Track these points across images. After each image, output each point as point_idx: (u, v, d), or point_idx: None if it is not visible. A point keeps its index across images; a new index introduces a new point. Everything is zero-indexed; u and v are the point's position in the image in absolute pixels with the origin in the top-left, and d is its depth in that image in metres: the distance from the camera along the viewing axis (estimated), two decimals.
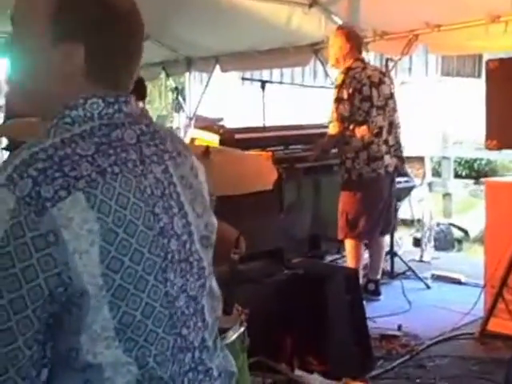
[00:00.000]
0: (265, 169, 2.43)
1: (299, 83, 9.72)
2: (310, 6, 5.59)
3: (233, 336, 1.81)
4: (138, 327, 1.02)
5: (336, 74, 4.68)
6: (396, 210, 5.01)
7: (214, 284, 1.23)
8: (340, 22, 5.65)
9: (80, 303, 0.98)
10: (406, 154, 5.71)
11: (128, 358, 1.02)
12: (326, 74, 6.68)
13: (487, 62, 3.20)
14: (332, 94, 4.39)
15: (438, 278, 5.09)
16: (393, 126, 4.47)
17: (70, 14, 1.06)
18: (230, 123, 7.15)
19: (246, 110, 9.06)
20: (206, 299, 1.17)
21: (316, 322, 3.03)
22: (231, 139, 4.41)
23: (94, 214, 0.97)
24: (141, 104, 5.90)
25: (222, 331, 1.81)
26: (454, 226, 7.19)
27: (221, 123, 6.61)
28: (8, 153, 4.98)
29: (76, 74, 1.07)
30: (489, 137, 3.19)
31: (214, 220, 1.25)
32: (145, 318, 1.03)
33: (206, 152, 2.30)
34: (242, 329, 1.87)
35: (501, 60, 3.16)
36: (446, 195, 8.42)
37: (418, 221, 6.83)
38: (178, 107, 8.58)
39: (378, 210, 4.41)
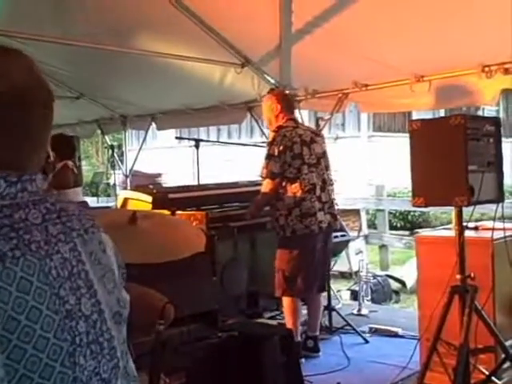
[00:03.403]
0: (193, 233, 2.42)
1: (234, 142, 9.82)
2: (243, 65, 5.71)
3: None
4: None
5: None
6: (329, 265, 5.03)
7: (130, 363, 1.19)
8: (272, 81, 5.80)
9: None
10: (341, 207, 5.82)
11: None
12: (262, 132, 6.79)
13: (410, 123, 3.31)
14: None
15: (375, 332, 5.12)
16: (326, 184, 4.53)
17: None
18: (168, 179, 7.14)
19: (182, 166, 9.06)
20: (121, 380, 1.13)
21: None
22: (165, 199, 4.39)
23: None
24: (71, 162, 5.83)
25: None
26: (391, 277, 7.29)
27: (159, 179, 6.60)
28: None
29: None
30: (416, 194, 3.27)
31: (126, 294, 1.22)
32: None
33: (133, 218, 2.28)
34: None
35: (422, 121, 3.27)
36: (383, 247, 8.57)
37: (356, 273, 6.90)
38: (114, 164, 8.56)
39: (313, 266, 4.42)
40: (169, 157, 11.91)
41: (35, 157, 1.13)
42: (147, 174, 7.96)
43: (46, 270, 1.02)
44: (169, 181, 6.70)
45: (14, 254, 0.98)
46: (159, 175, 7.81)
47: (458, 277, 3.22)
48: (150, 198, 4.39)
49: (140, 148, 7.77)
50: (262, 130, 6.83)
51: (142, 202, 4.31)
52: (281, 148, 4.31)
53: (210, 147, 7.40)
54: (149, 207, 4.30)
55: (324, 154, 4.61)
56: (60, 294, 1.03)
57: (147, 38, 5.75)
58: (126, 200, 4.15)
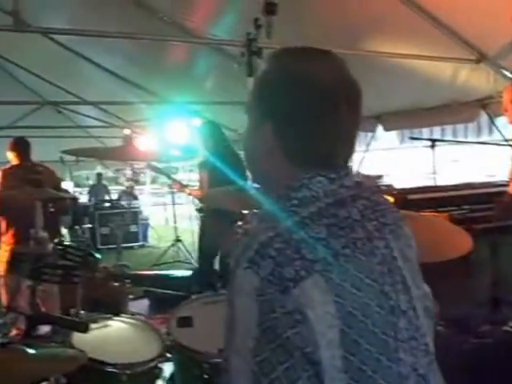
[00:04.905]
0: (457, 235, 2.33)
1: (467, 140, 9.37)
2: (478, 61, 5.42)
3: None
4: None
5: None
6: None
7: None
8: (510, 76, 5.42)
9: None
10: None
11: None
12: (491, 130, 6.39)
13: None
14: (501, 150, 4.17)
15: None
16: None
17: (265, 101, 1.12)
18: (389, 181, 7.02)
19: (404, 168, 8.84)
20: (434, 376, 1.12)
21: None
22: (404, 200, 4.31)
23: (332, 297, 0.97)
24: None
25: None
26: None
27: (380, 181, 6.51)
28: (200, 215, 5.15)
29: (275, 153, 1.10)
30: None
31: (427, 287, 1.22)
32: None
33: None
34: None
35: None
36: None
37: None
38: None
39: None
40: (388, 158, 11.74)
41: (344, 153, 1.15)
42: (368, 176, 7.88)
43: (371, 266, 1.05)
44: (391, 183, 6.57)
45: (346, 252, 1.02)
46: (380, 177, 7.68)
47: None
48: (390, 199, 4.33)
49: (366, 150, 7.74)
50: (493, 128, 6.42)
51: None
52: None
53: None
54: None
55: None
56: (384, 289, 1.05)
57: (374, 38, 5.71)
58: None
